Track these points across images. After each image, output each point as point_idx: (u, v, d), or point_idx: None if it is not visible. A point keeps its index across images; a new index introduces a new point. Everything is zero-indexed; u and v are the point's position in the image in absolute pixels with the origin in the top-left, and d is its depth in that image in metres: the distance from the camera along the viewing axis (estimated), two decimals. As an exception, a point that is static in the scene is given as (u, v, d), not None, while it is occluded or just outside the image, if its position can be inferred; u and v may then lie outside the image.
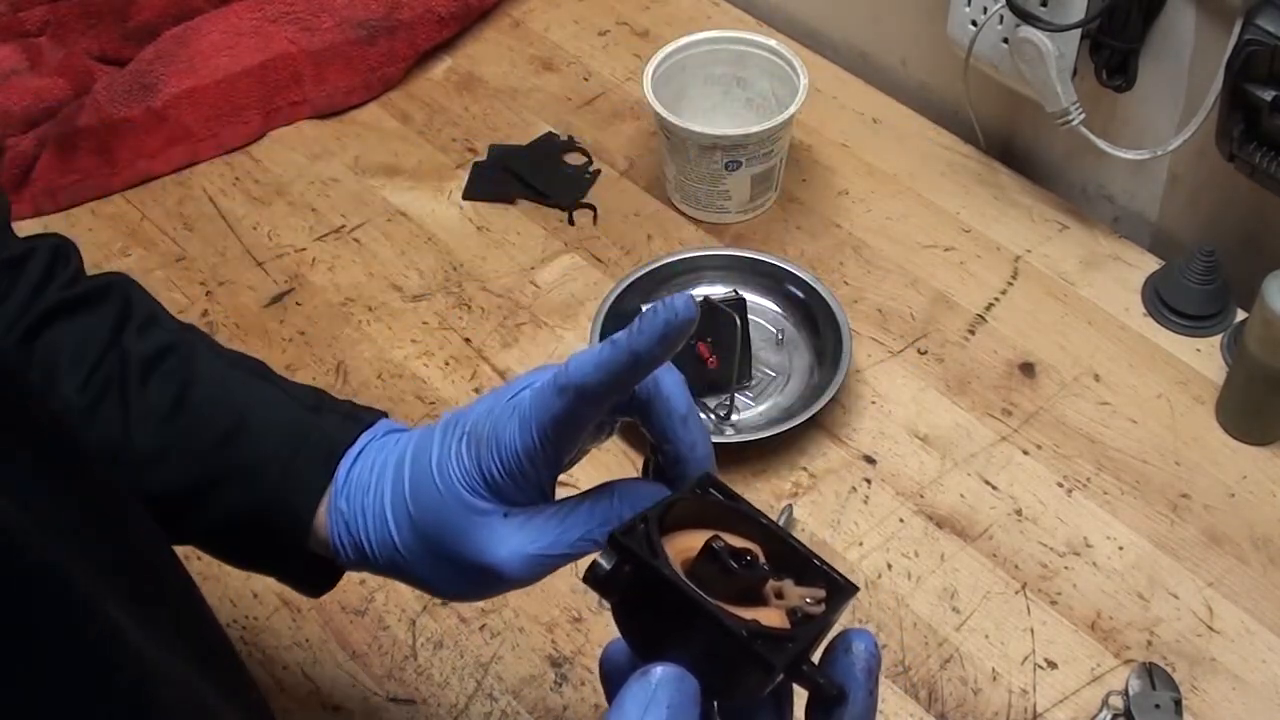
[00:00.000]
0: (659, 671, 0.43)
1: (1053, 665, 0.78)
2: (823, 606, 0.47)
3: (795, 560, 0.48)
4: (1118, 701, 0.76)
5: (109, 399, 0.59)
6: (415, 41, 1.14)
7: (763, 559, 0.47)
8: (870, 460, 0.88)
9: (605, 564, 0.45)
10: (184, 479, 0.59)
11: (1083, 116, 0.96)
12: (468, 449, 0.54)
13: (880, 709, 0.76)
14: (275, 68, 1.10)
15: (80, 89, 1.10)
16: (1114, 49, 0.93)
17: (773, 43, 1.03)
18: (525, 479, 0.53)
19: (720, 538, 0.46)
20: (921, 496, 0.86)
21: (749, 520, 0.49)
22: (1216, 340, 0.93)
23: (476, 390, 0.92)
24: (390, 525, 0.56)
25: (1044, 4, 0.92)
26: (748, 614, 0.45)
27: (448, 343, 0.95)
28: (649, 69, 1.01)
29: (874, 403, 0.91)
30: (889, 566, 0.83)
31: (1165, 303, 0.94)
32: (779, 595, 0.47)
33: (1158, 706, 0.75)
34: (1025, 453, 0.88)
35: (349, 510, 0.58)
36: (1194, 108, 0.90)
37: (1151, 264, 0.98)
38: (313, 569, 0.62)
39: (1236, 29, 0.84)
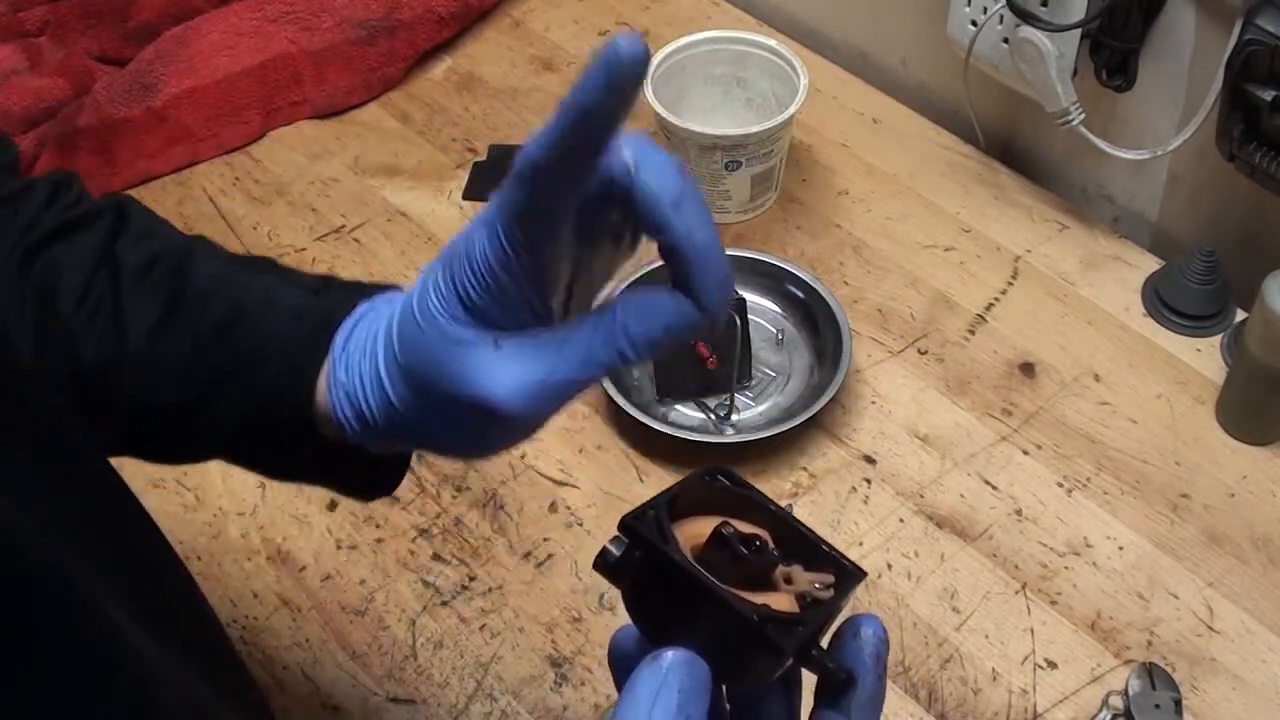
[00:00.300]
0: (670, 655, 0.42)
1: (1053, 665, 0.78)
2: (831, 592, 0.47)
3: (804, 546, 0.48)
4: (1118, 701, 0.76)
5: (102, 312, 0.56)
6: (415, 41, 1.14)
7: (772, 545, 0.47)
8: (870, 460, 0.88)
9: (615, 550, 0.45)
10: (185, 382, 0.56)
11: (1083, 116, 0.96)
12: (443, 275, 0.48)
13: (880, 709, 0.76)
14: (275, 68, 1.10)
15: (80, 89, 1.10)
16: (1114, 49, 0.93)
17: (773, 43, 1.03)
18: (506, 295, 0.46)
19: (730, 524, 0.46)
20: (921, 496, 0.86)
21: (758, 507, 0.49)
22: (1216, 340, 0.93)
23: (476, 390, 0.92)
24: (384, 381, 0.51)
25: (1044, 4, 0.92)
26: (758, 599, 0.45)
27: (448, 343, 0.95)
28: (649, 69, 1.00)
29: (874, 403, 0.91)
30: (889, 566, 0.83)
31: (1165, 303, 0.94)
32: (788, 580, 0.47)
33: (1158, 706, 0.75)
34: (1025, 453, 0.88)
35: (348, 379, 0.53)
36: (1194, 108, 0.90)
37: (1151, 264, 0.98)
38: (346, 463, 0.57)
39: (1236, 29, 0.84)
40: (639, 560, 0.45)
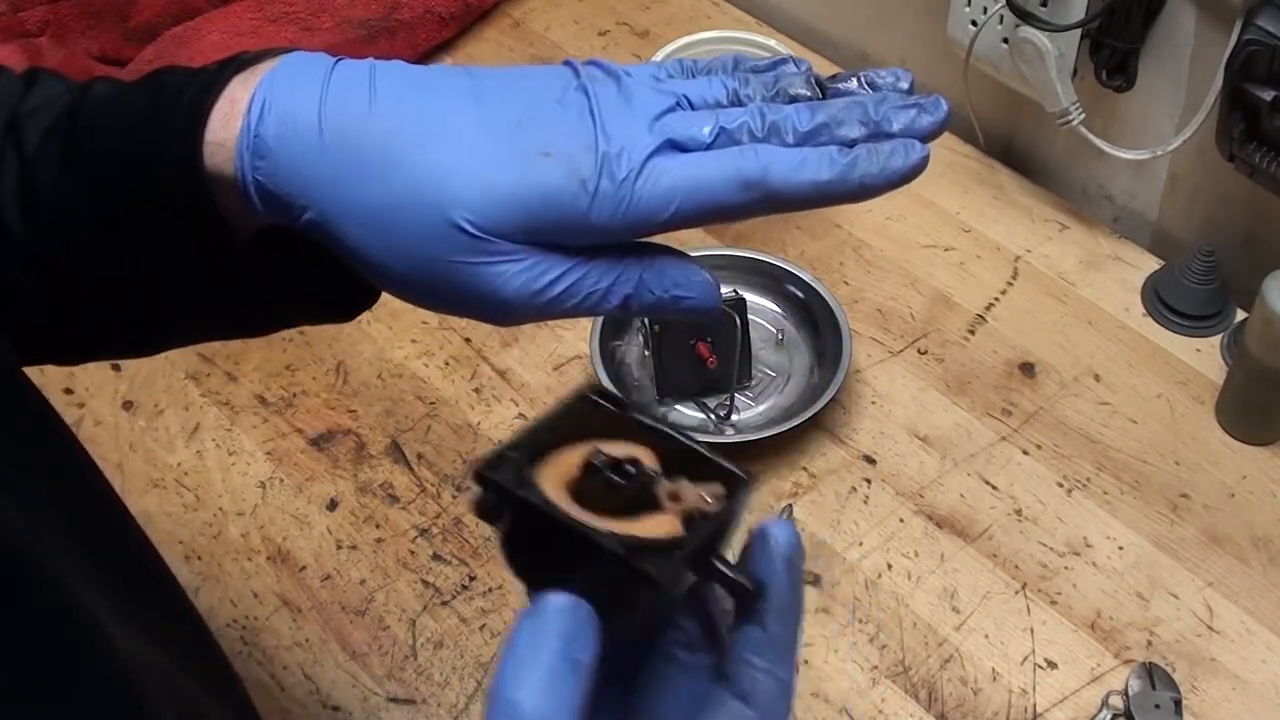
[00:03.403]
0: (549, 600, 0.39)
1: (1053, 665, 0.78)
2: (721, 504, 0.44)
3: (689, 459, 0.46)
4: (1118, 701, 0.76)
5: (11, 179, 0.52)
6: (415, 41, 1.14)
7: (653, 464, 0.45)
8: (870, 460, 0.88)
9: (489, 496, 0.43)
10: (96, 214, 0.51)
11: (1083, 116, 0.96)
12: None
13: (880, 709, 0.76)
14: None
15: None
16: (1114, 49, 0.93)
17: (773, 43, 1.03)
18: None
19: (600, 450, 0.44)
20: (921, 496, 0.86)
21: (634, 424, 0.46)
22: (1216, 340, 0.93)
23: (477, 390, 0.92)
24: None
25: (1044, 4, 0.92)
26: (640, 525, 0.42)
27: (448, 343, 0.95)
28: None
29: (874, 403, 0.91)
30: (889, 566, 0.83)
31: (1165, 303, 0.94)
32: (674, 498, 0.44)
33: (1158, 706, 0.75)
34: (1025, 453, 0.88)
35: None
36: (1194, 108, 0.90)
37: (1151, 264, 0.98)
38: (292, 270, 0.53)
39: (1236, 29, 0.84)
40: (505, 509, 0.43)
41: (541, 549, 0.42)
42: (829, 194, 0.48)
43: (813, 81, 0.50)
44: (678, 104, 0.49)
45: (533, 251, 0.47)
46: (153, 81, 0.52)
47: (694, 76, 0.51)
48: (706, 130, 0.48)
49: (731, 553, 0.45)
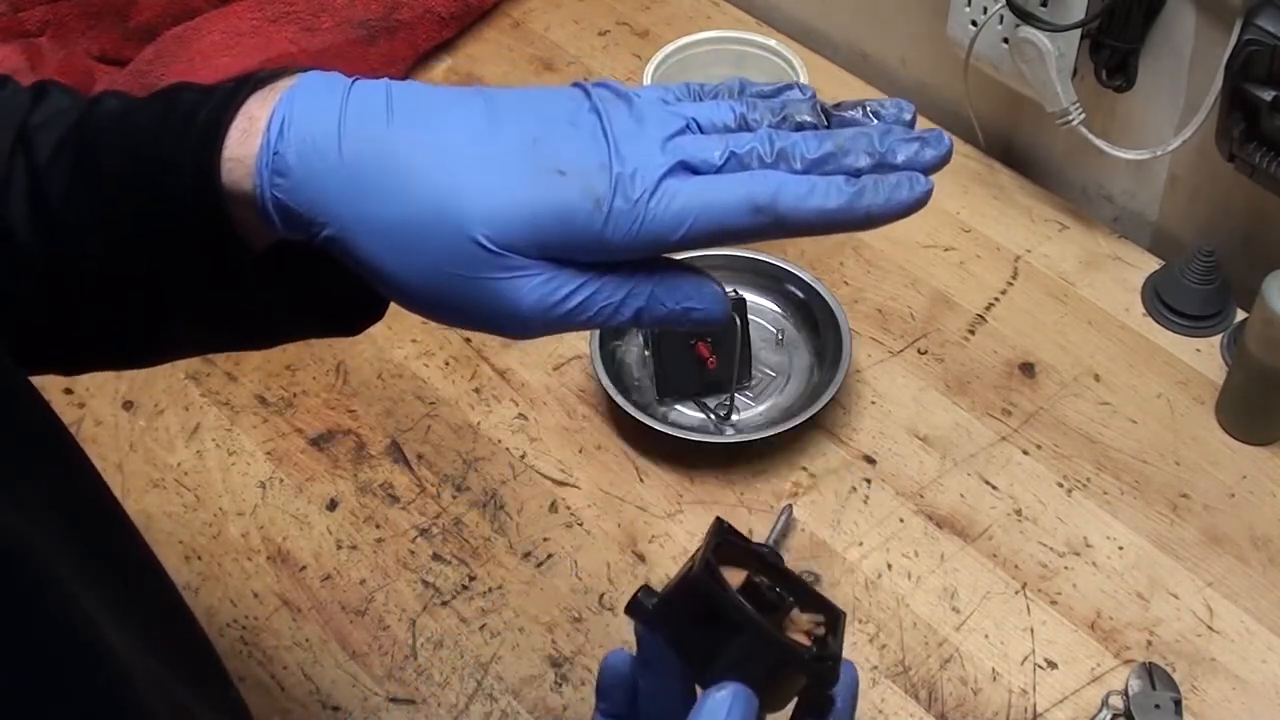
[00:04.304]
0: (730, 691, 0.49)
1: (1053, 665, 0.78)
2: (823, 629, 0.53)
3: (793, 587, 0.53)
4: (1118, 701, 0.76)
5: (21, 191, 0.52)
6: (415, 41, 1.14)
7: (778, 588, 0.53)
8: (870, 460, 0.88)
9: (648, 600, 0.51)
10: (108, 231, 0.52)
11: (1083, 116, 0.96)
12: None
13: (880, 709, 0.76)
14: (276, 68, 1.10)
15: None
16: (1114, 49, 0.93)
17: (773, 42, 1.03)
18: None
19: (758, 575, 0.52)
20: (921, 496, 0.86)
21: (753, 555, 0.54)
22: (1216, 340, 0.93)
23: (477, 390, 0.92)
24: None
25: (1044, 4, 0.92)
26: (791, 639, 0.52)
27: (448, 343, 0.95)
28: (649, 69, 1.00)
29: (874, 403, 0.91)
30: (889, 566, 0.83)
31: (1165, 303, 0.94)
32: (792, 622, 0.53)
33: (1158, 706, 0.75)
34: (1025, 453, 0.88)
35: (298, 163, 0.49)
36: (1194, 108, 0.90)
37: (1151, 264, 0.98)
38: (306, 282, 0.54)
39: (1236, 29, 0.84)
40: (682, 605, 0.50)
41: (721, 642, 0.50)
42: (835, 222, 0.50)
43: (818, 109, 0.52)
44: (687, 126, 0.50)
45: (547, 267, 0.49)
46: (166, 97, 0.53)
47: (701, 100, 0.52)
48: (718, 154, 0.49)
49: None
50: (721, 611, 0.50)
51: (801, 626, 0.53)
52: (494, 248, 0.48)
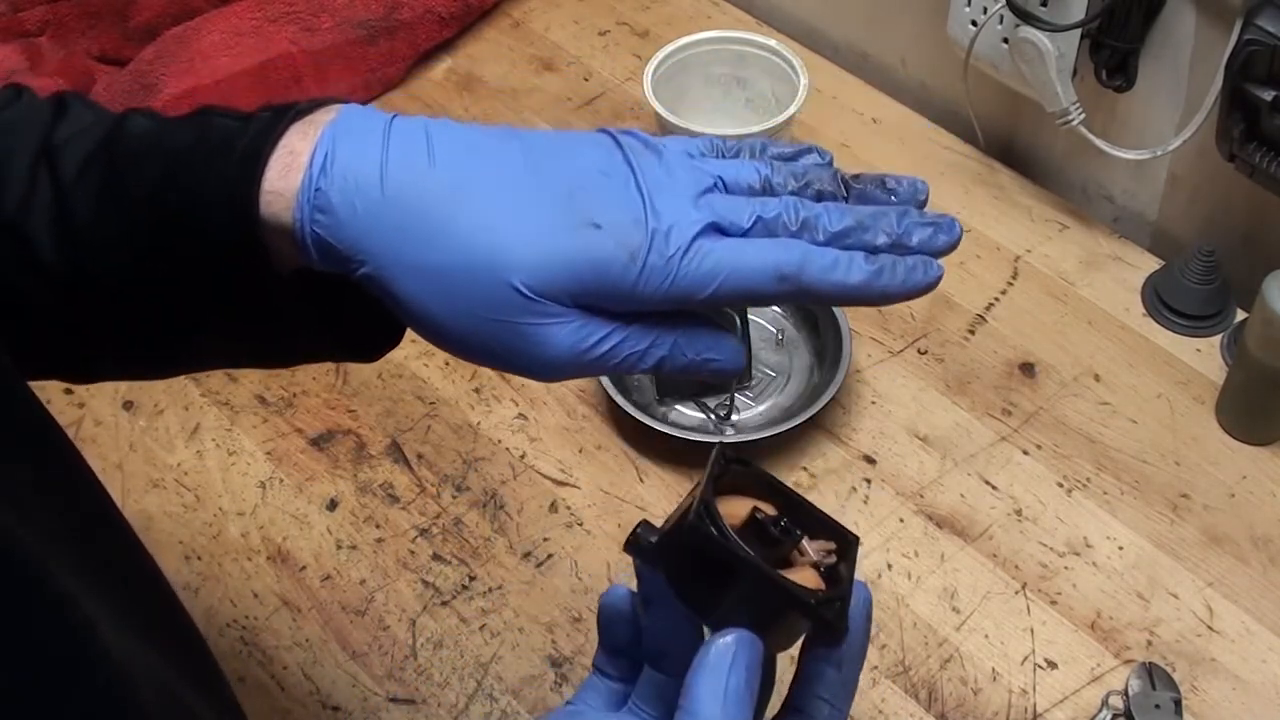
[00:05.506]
0: (734, 637, 0.47)
1: (1053, 665, 0.78)
2: (834, 558, 0.51)
3: (803, 515, 0.52)
4: (1118, 701, 0.76)
5: (46, 205, 0.53)
6: (415, 41, 1.14)
7: (784, 521, 0.51)
8: (870, 460, 0.88)
9: (648, 536, 0.49)
10: (135, 248, 0.52)
11: (1083, 116, 0.96)
12: None
13: (880, 709, 0.76)
14: (275, 68, 1.10)
15: (80, 89, 1.10)
16: (1114, 49, 0.93)
17: (773, 43, 1.03)
18: None
19: (760, 508, 0.50)
20: (921, 496, 0.86)
21: (763, 483, 0.52)
22: (1216, 340, 0.93)
23: (477, 390, 0.92)
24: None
25: (1044, 4, 0.92)
26: (797, 576, 0.49)
27: (448, 343, 0.95)
28: (649, 69, 1.01)
29: (874, 403, 0.91)
30: (889, 566, 0.83)
31: (1165, 303, 0.94)
32: (800, 552, 0.50)
33: (1158, 707, 0.75)
34: (1025, 453, 0.88)
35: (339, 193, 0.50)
36: (1194, 108, 0.90)
37: (1151, 264, 0.98)
38: (330, 308, 0.55)
39: (1236, 29, 0.84)
40: (681, 546, 0.48)
41: (722, 586, 0.48)
42: (852, 296, 0.53)
43: (839, 180, 0.55)
44: (715, 185, 0.53)
45: (579, 314, 0.51)
46: (199, 122, 0.54)
47: (724, 156, 0.55)
48: (746, 217, 0.52)
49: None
50: (720, 557, 0.48)
51: (810, 558, 0.51)
52: (531, 295, 0.50)
